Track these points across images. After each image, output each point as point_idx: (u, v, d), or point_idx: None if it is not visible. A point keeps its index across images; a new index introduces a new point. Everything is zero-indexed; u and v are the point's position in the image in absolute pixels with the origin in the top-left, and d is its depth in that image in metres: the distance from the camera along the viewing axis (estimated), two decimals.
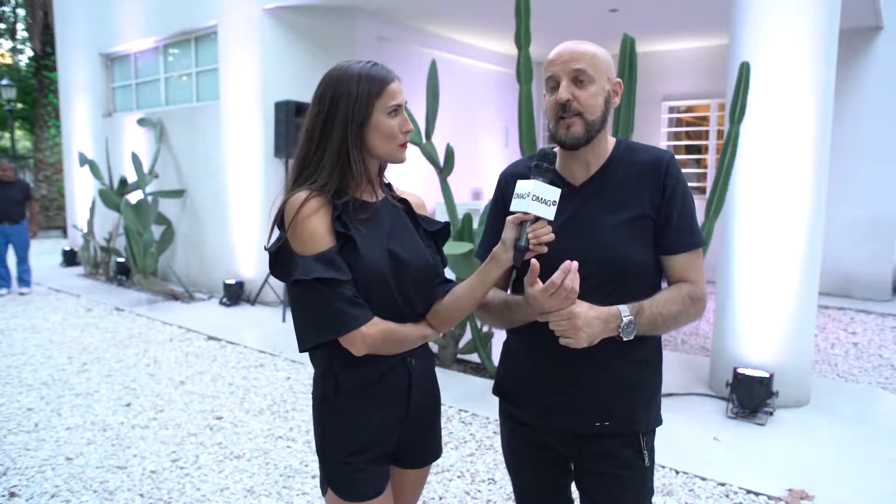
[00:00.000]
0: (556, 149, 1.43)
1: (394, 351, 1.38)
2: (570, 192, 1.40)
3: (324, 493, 1.45)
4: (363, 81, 1.34)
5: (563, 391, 1.40)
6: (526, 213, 1.28)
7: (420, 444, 1.53)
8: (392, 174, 1.54)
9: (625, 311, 1.30)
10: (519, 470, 1.57)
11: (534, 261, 1.26)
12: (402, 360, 1.42)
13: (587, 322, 1.27)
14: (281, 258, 1.37)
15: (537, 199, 1.28)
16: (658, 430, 1.48)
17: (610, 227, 1.37)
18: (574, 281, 1.23)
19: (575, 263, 1.24)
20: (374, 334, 1.31)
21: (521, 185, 1.31)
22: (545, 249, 1.30)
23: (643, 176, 1.39)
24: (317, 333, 1.33)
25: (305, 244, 1.31)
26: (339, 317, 1.29)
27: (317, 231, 1.31)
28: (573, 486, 1.56)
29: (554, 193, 1.29)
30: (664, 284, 1.43)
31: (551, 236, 1.30)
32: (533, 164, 1.33)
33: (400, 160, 1.43)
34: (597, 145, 1.40)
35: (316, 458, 3.15)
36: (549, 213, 1.29)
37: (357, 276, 1.33)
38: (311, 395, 1.49)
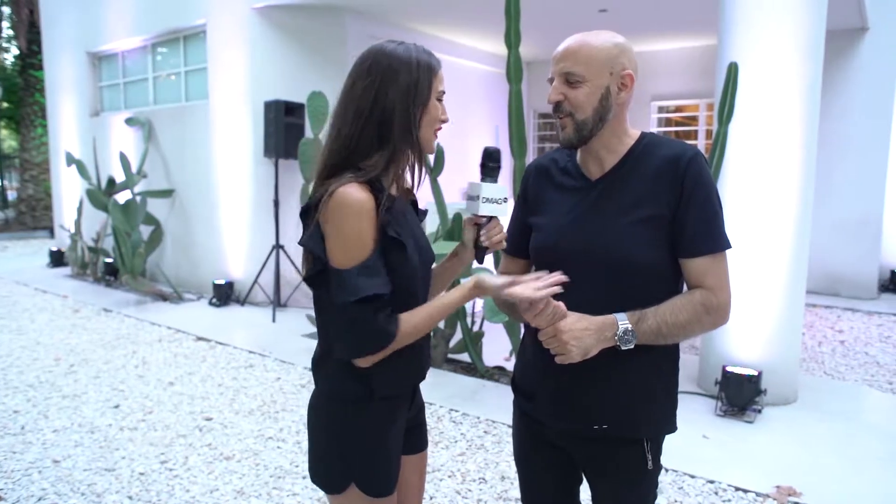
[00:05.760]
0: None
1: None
2: (585, 186, 1.38)
3: (337, 491, 1.37)
4: (422, 62, 1.30)
5: (567, 392, 1.38)
6: (479, 217, 1.35)
7: (416, 427, 1.54)
8: None
9: (622, 318, 1.26)
10: (527, 466, 1.55)
11: (559, 303, 1.24)
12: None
13: (575, 336, 1.24)
14: (319, 262, 1.28)
15: (488, 200, 1.33)
16: None
17: (620, 225, 1.31)
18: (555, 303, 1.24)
19: (555, 283, 1.23)
20: (399, 340, 1.29)
21: (472, 188, 1.36)
22: (503, 246, 1.38)
23: (661, 173, 1.31)
24: (354, 352, 1.27)
25: (351, 252, 1.23)
26: (378, 337, 1.25)
27: (365, 239, 1.23)
28: (584, 489, 1.54)
29: (503, 192, 1.35)
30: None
31: (503, 234, 1.37)
32: (479, 164, 1.37)
33: (433, 149, 1.38)
34: (607, 141, 1.35)
35: (306, 458, 3.14)
36: (502, 210, 1.36)
37: (402, 280, 1.29)
38: (312, 393, 1.44)
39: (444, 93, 1.34)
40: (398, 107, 1.27)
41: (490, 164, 1.34)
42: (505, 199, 1.33)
